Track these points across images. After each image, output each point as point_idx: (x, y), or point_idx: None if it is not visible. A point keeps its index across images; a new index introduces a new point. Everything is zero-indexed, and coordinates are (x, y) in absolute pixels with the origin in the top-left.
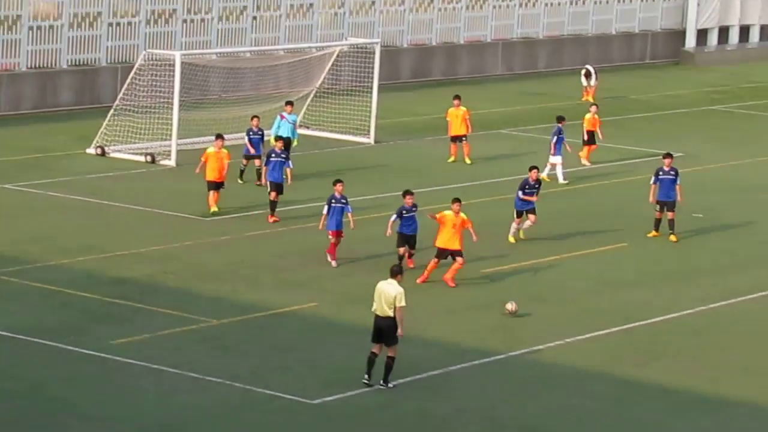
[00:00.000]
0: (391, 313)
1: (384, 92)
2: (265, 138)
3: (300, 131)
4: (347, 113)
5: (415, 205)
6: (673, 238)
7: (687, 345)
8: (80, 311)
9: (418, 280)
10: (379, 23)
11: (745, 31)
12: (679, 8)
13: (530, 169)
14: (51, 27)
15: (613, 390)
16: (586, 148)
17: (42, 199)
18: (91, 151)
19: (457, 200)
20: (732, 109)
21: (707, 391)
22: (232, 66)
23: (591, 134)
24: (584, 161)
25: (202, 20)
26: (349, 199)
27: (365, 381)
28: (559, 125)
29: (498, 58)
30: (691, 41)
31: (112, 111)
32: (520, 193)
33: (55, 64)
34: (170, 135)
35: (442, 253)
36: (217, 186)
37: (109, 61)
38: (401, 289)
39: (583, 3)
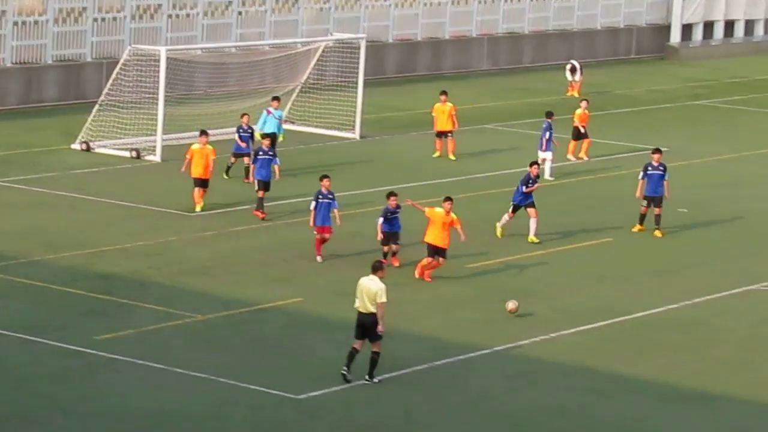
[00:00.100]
0: (373, 309)
1: (369, 87)
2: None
3: (285, 126)
4: (332, 108)
5: (398, 206)
6: (658, 233)
7: (672, 340)
8: (65, 307)
9: (417, 275)
10: (364, 18)
11: (729, 26)
12: (664, 3)
13: (531, 165)
14: (36, 22)
15: (599, 384)
16: (573, 144)
17: (27, 194)
18: (76, 146)
19: (448, 199)
20: (716, 104)
21: (692, 385)
22: (217, 61)
23: (579, 129)
24: (583, 156)
25: (188, 15)
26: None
27: (343, 372)
28: (549, 120)
29: (483, 53)
30: (676, 36)
31: (97, 106)
32: (523, 187)
33: (40, 60)
34: (155, 130)
35: (433, 249)
36: (202, 183)
37: (94, 57)
38: (383, 286)
39: None
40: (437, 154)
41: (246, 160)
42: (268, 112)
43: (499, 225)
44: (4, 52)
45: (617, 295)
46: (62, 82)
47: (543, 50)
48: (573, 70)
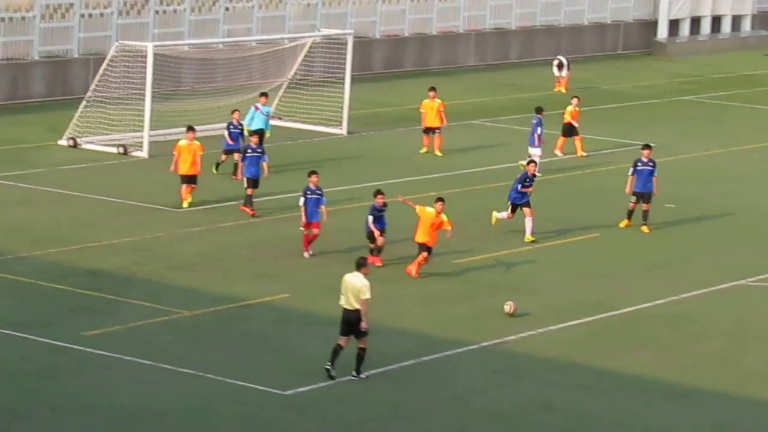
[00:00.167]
0: (358, 306)
1: (356, 83)
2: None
3: (272, 122)
4: (320, 104)
5: (385, 204)
6: (645, 228)
7: (659, 335)
8: (52, 303)
9: (412, 273)
10: (352, 14)
11: (716, 21)
12: None
13: (528, 164)
14: (23, 18)
15: (585, 380)
16: (562, 140)
17: (13, 190)
18: (63, 142)
19: (440, 200)
20: (703, 99)
21: (679, 380)
22: (204, 57)
23: (571, 126)
24: (582, 153)
25: (175, 11)
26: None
27: (327, 368)
28: (539, 116)
29: (470, 48)
30: (663, 32)
31: (84, 102)
32: (519, 186)
33: (27, 56)
34: (142, 126)
35: (423, 247)
36: (189, 179)
37: (81, 53)
38: (367, 282)
39: None
40: (424, 149)
41: (236, 156)
42: (256, 108)
43: (497, 214)
44: None
45: (604, 290)
46: (49, 78)
47: (530, 46)
48: (560, 66)
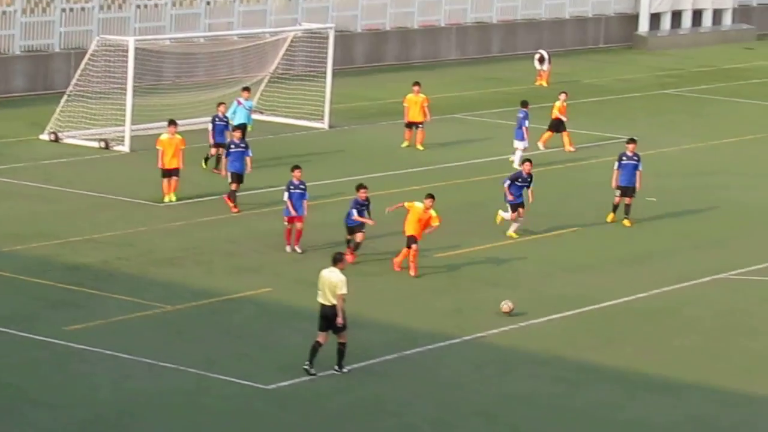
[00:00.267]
0: (335, 301)
1: (338, 77)
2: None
3: (254, 116)
4: (301, 98)
5: (368, 199)
6: (627, 222)
7: (641, 328)
8: (33, 298)
9: (411, 273)
10: (333, 8)
11: (697, 15)
12: None
13: (523, 162)
14: (4, 13)
15: (568, 374)
16: (548, 134)
17: None
18: (44, 137)
19: (430, 196)
20: (684, 93)
21: (661, 374)
22: (185, 51)
23: (559, 121)
24: (570, 148)
25: (156, 5)
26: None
27: (306, 368)
28: (525, 110)
29: (452, 42)
30: (644, 25)
31: (65, 97)
32: (508, 181)
33: (8, 50)
34: (124, 121)
35: (411, 239)
36: (170, 173)
37: (62, 47)
38: (343, 277)
39: None
40: (405, 143)
41: (219, 150)
42: (239, 103)
43: (502, 214)
44: None
45: (586, 284)
46: (30, 73)
47: (511, 40)
48: (541, 60)
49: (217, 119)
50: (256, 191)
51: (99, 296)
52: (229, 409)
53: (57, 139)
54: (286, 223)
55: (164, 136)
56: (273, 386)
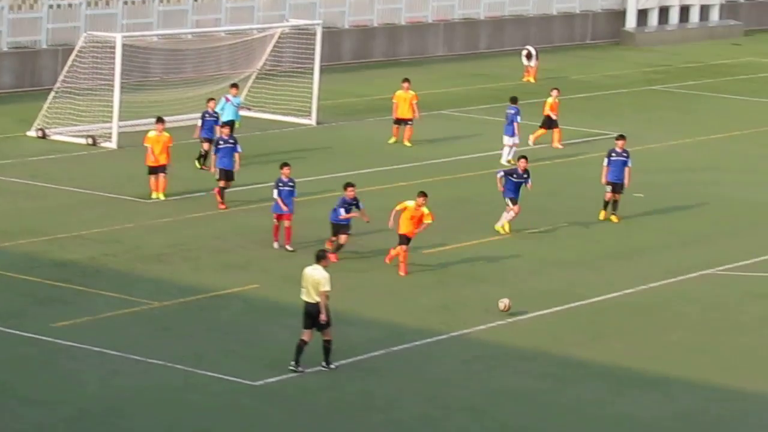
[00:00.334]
0: (319, 299)
1: (326, 73)
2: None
3: (242, 113)
4: (289, 95)
5: (356, 198)
6: (614, 218)
7: (628, 324)
8: (21, 294)
9: (401, 273)
10: (320, 4)
11: (685, 11)
12: None
13: (518, 159)
14: None
15: (555, 369)
16: (542, 131)
17: None
18: (31, 133)
19: (422, 194)
20: (672, 89)
21: (648, 369)
22: (173, 48)
23: (550, 118)
24: (558, 145)
25: (143, 2)
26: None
27: (291, 368)
28: (516, 106)
29: (439, 38)
30: (631, 21)
31: (52, 93)
32: (502, 172)
33: None
34: (111, 117)
35: (404, 239)
36: (157, 170)
37: (49, 44)
38: (326, 274)
39: None
40: (393, 140)
41: (209, 146)
42: (227, 100)
43: (504, 219)
44: None
45: (574, 280)
46: (18, 69)
47: (499, 36)
48: (529, 56)
49: (207, 115)
50: (243, 188)
51: (86, 293)
52: (216, 405)
53: (44, 136)
54: (274, 220)
55: (152, 134)
56: (260, 382)
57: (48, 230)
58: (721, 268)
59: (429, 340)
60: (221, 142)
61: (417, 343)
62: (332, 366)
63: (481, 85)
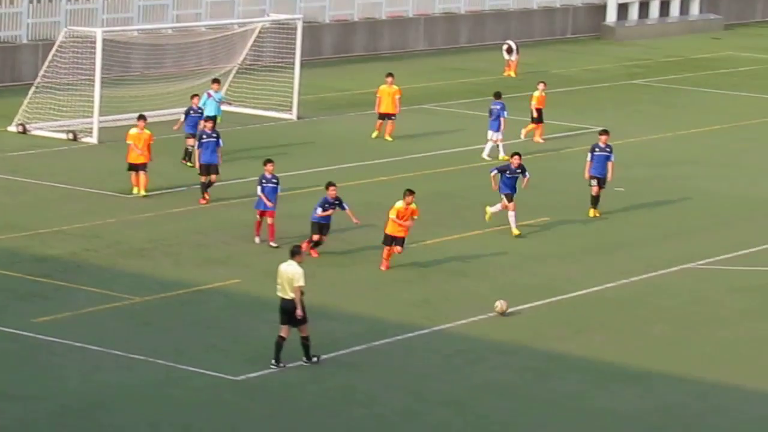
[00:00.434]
0: (294, 295)
1: (306, 68)
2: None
3: (222, 108)
4: (270, 89)
5: (337, 198)
6: (595, 212)
7: (609, 318)
8: (1, 290)
9: (382, 268)
10: None
11: (665, 5)
12: None
13: (512, 156)
14: None
15: (536, 363)
16: (532, 126)
17: None
18: (12, 128)
19: (410, 192)
20: (652, 83)
21: (630, 363)
22: (153, 43)
23: (539, 112)
24: (538, 139)
25: None
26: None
27: (273, 366)
28: (501, 101)
29: (420, 33)
30: (611, 15)
31: (33, 88)
32: (495, 170)
33: None
34: (92, 112)
35: (390, 239)
36: (137, 167)
37: (30, 38)
38: (300, 270)
39: None
40: (375, 134)
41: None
42: (209, 95)
43: (490, 209)
44: None
45: (555, 274)
46: None
47: (480, 30)
48: (509, 50)
49: (191, 111)
50: (224, 183)
51: (67, 288)
52: (198, 400)
53: (25, 131)
54: (257, 216)
55: (133, 131)
56: (242, 377)
57: (29, 225)
58: (701, 262)
59: (411, 334)
60: (204, 137)
61: (399, 337)
62: (314, 360)
63: (462, 79)
